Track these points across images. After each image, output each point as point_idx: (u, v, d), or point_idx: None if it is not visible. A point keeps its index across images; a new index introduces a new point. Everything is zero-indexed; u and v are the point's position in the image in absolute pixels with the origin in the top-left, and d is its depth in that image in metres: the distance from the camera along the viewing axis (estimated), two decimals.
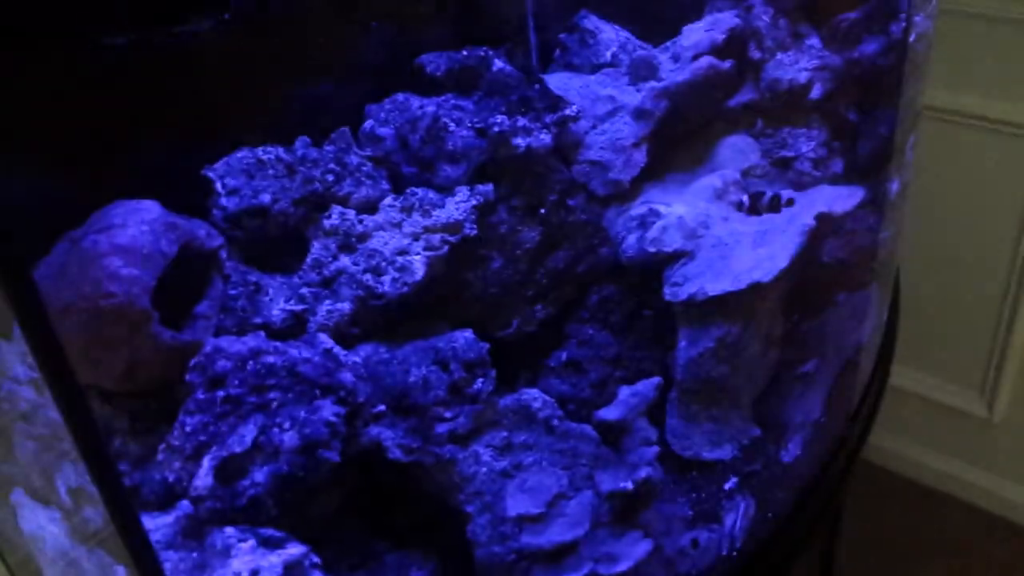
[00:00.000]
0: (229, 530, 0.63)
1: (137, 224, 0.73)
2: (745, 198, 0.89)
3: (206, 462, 0.68)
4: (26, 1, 0.72)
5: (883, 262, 1.07)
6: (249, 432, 0.69)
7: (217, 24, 0.84)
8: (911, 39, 1.03)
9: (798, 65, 0.99)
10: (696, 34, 0.96)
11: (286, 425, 0.70)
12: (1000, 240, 1.67)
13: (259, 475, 0.68)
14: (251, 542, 0.62)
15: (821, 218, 0.90)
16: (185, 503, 0.66)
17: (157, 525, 0.66)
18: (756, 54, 0.99)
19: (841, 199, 0.95)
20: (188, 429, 0.69)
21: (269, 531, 0.65)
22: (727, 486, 0.88)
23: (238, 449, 0.68)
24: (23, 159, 0.75)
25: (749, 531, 0.86)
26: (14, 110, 0.73)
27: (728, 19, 0.96)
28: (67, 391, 0.55)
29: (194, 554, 0.63)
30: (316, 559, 0.67)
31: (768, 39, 1.00)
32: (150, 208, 0.75)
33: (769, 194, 0.90)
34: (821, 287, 0.99)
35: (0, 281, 0.49)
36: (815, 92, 1.01)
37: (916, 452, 1.98)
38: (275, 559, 0.62)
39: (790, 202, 0.93)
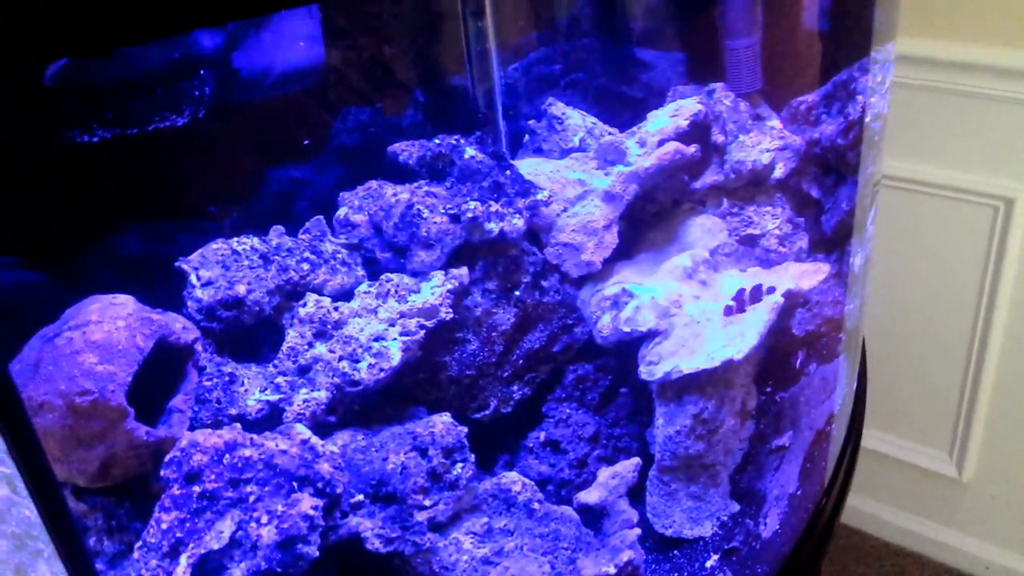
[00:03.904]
0: None
1: (112, 320, 0.73)
2: (732, 302, 0.91)
3: (183, 560, 0.66)
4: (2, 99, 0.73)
5: (850, 332, 1.09)
6: (226, 528, 0.68)
7: (192, 119, 0.86)
8: (867, 119, 1.07)
9: (760, 146, 1.03)
10: (661, 119, 0.99)
11: (264, 519, 0.69)
12: (961, 303, 1.71)
13: (237, 572, 0.67)
14: None
15: (789, 295, 0.92)
16: None
17: None
18: (719, 137, 1.02)
19: (807, 275, 0.97)
20: (164, 526, 0.68)
21: None
22: (708, 563, 0.88)
23: (215, 546, 0.67)
24: None
25: None
26: None
27: (691, 105, 0.99)
28: (44, 489, 0.55)
29: None
30: None
31: (730, 122, 1.03)
32: (125, 303, 0.75)
33: (748, 288, 0.92)
34: (792, 359, 1.01)
35: None
36: (778, 172, 1.04)
37: (888, 513, 1.99)
38: None
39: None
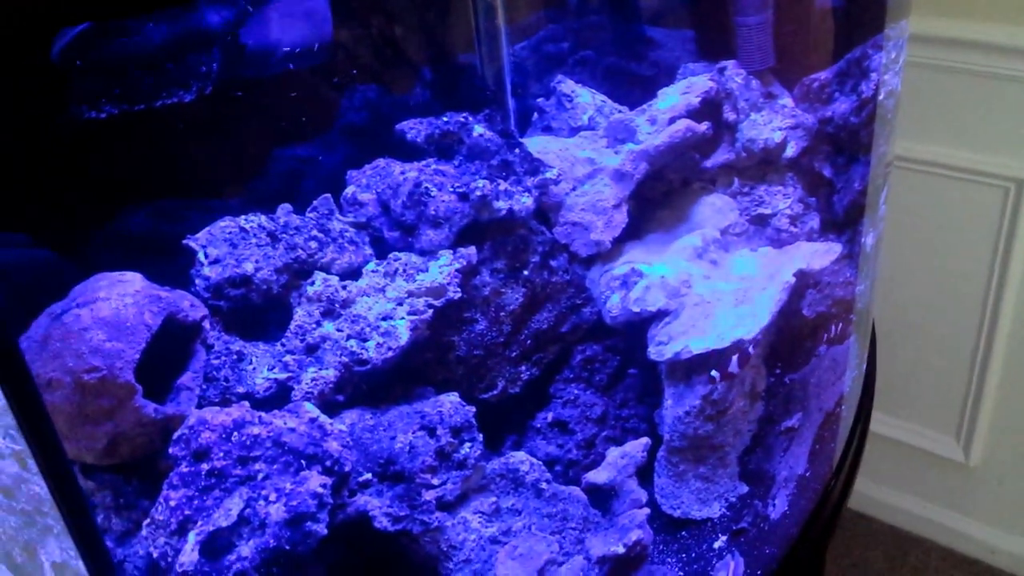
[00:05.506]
0: None
1: (120, 297, 0.73)
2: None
3: (192, 537, 0.66)
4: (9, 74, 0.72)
5: (861, 313, 1.09)
6: (235, 505, 0.68)
7: (199, 96, 0.85)
8: (880, 97, 1.06)
9: (772, 125, 1.02)
10: (672, 97, 0.98)
11: (272, 497, 0.69)
12: (971, 286, 1.70)
13: (246, 549, 0.67)
14: None
15: (800, 275, 0.92)
16: None
17: None
18: (731, 115, 1.01)
19: (819, 255, 0.96)
20: (172, 503, 0.68)
21: None
22: (716, 545, 0.87)
23: (224, 523, 0.67)
24: (3, 232, 0.75)
25: None
26: None
27: (702, 82, 0.98)
28: (54, 466, 0.55)
29: None
30: None
31: (741, 100, 1.02)
32: (133, 281, 0.75)
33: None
34: (802, 341, 1.00)
35: None
36: (789, 150, 1.03)
37: (894, 497, 1.99)
38: None
39: None
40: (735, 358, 0.88)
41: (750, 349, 0.90)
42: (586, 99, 1.03)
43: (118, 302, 0.72)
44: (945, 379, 1.81)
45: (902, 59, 1.12)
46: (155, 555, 0.67)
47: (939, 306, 1.75)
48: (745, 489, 0.92)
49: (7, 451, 0.57)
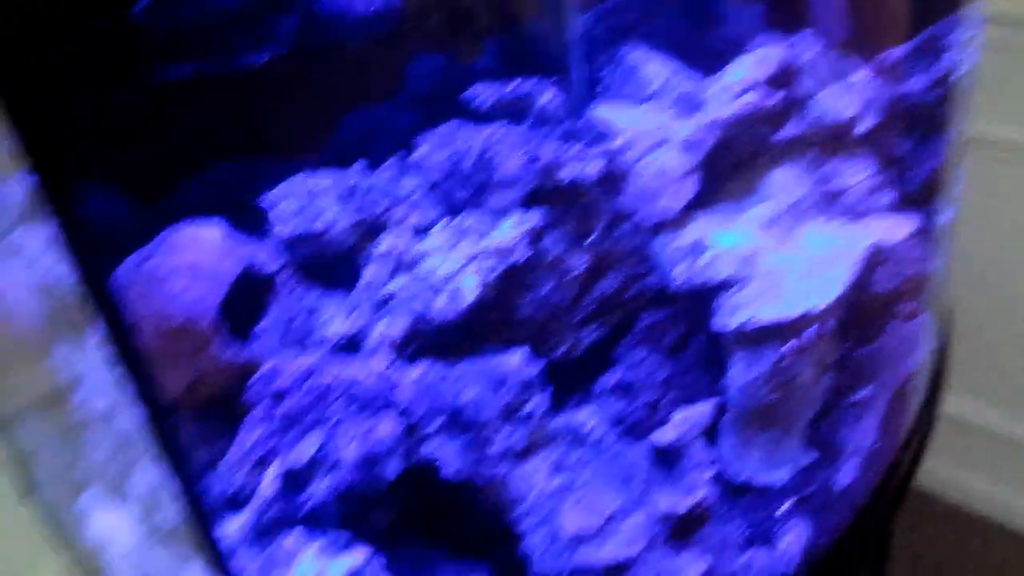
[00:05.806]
0: (296, 531, 0.64)
1: (201, 247, 0.76)
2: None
3: (267, 475, 0.68)
4: (86, 38, 0.75)
5: (934, 290, 1.07)
6: (309, 447, 0.70)
7: (274, 57, 0.87)
8: (956, 75, 1.04)
9: (845, 99, 1.00)
10: (743, 69, 0.97)
11: (345, 441, 0.70)
12: None
13: (319, 488, 0.68)
14: (319, 543, 0.63)
15: (873, 248, 0.90)
16: (250, 508, 0.67)
17: (226, 528, 0.67)
18: (803, 89, 1.00)
19: (892, 230, 0.95)
20: (248, 444, 0.70)
21: (335, 533, 0.66)
22: (780, 510, 0.87)
23: (298, 463, 0.69)
24: (88, 186, 0.78)
25: (802, 554, 0.85)
26: (80, 139, 0.76)
27: (776, 53, 0.97)
28: (147, 395, 0.57)
29: (263, 554, 0.64)
30: (381, 562, 0.67)
31: (814, 73, 1.01)
32: (213, 231, 0.78)
33: None
34: (873, 315, 0.98)
35: (83, 284, 0.50)
36: (862, 125, 1.01)
37: (963, 478, 1.94)
38: (342, 560, 0.62)
39: None
40: (809, 329, 0.87)
41: (822, 321, 0.89)
42: (655, 68, 1.03)
43: (200, 251, 0.75)
44: (1020, 359, 1.76)
45: (978, 38, 1.10)
46: (232, 492, 0.69)
47: (1017, 286, 1.71)
48: (811, 458, 0.90)
49: (102, 381, 0.60)
